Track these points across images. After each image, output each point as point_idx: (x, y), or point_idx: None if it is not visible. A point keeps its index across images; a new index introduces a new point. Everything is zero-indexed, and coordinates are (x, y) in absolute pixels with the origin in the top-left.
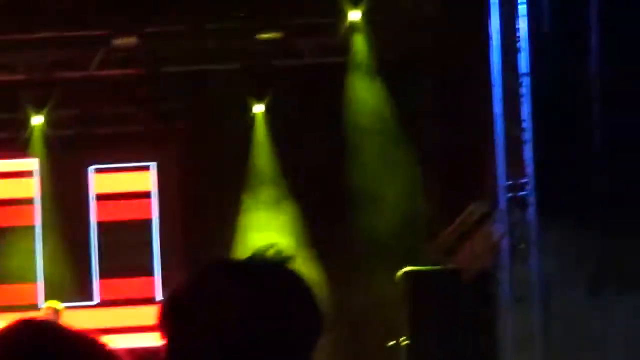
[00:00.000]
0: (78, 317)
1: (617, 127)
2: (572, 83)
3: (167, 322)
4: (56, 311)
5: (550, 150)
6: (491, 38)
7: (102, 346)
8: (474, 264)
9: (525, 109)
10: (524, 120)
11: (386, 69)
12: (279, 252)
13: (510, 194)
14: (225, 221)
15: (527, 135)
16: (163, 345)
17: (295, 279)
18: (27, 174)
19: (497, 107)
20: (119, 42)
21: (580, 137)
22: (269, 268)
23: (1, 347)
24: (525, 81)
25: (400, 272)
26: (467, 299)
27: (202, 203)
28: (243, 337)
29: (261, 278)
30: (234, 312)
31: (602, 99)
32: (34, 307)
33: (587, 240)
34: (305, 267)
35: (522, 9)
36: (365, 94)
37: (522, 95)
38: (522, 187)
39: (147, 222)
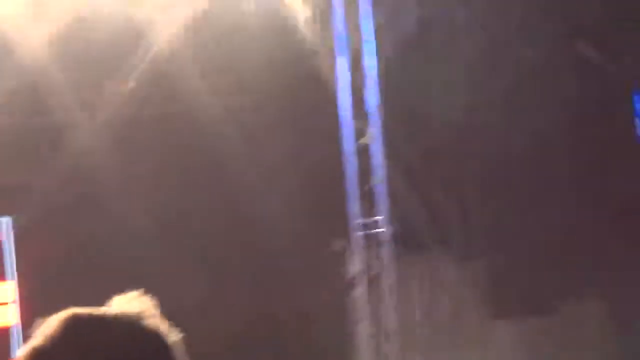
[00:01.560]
0: None
1: (470, 159)
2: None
3: None
4: None
5: (403, 187)
6: (338, 76)
7: None
8: (330, 304)
9: (376, 147)
10: (374, 157)
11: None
12: (135, 306)
13: (365, 231)
14: None
15: (381, 173)
16: None
17: (153, 336)
18: None
19: (349, 146)
20: None
21: (431, 173)
22: (129, 323)
23: None
24: (374, 118)
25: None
26: None
27: None
28: None
29: (122, 334)
30: None
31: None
32: None
33: (441, 273)
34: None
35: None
36: None
37: (371, 133)
38: (376, 224)
39: None
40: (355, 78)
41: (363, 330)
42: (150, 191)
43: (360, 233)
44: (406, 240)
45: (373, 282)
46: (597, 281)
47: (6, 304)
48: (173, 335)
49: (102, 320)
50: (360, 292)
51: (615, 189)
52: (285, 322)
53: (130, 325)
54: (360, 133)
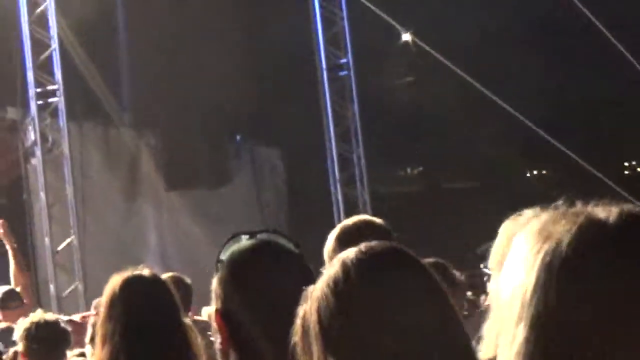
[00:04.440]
0: None
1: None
2: None
3: None
4: None
5: (80, 55)
6: None
7: None
8: (6, 173)
9: (52, 15)
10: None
11: None
12: None
13: (40, 101)
14: None
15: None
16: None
17: None
18: None
19: (24, 13)
20: None
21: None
22: None
23: None
24: None
25: None
26: None
27: None
28: None
29: None
30: None
31: None
32: None
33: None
34: None
35: None
36: None
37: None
38: (52, 93)
39: None
40: None
41: (39, 199)
42: None
43: (36, 102)
44: (82, 108)
45: (49, 151)
46: None
47: None
48: None
49: None
50: (36, 161)
51: None
52: None
53: None
54: (35, 6)
